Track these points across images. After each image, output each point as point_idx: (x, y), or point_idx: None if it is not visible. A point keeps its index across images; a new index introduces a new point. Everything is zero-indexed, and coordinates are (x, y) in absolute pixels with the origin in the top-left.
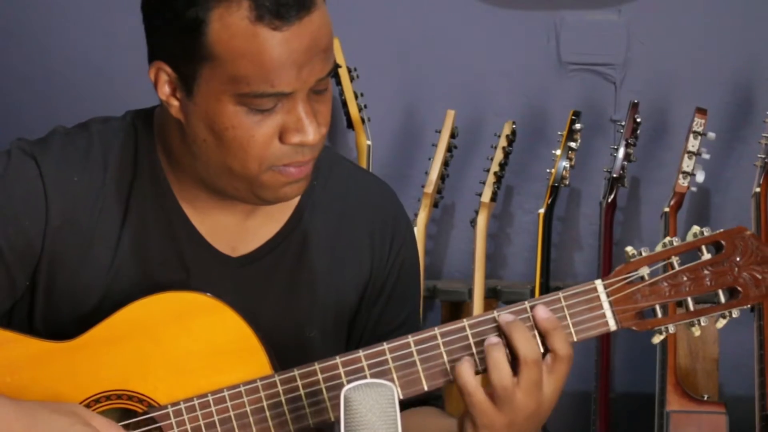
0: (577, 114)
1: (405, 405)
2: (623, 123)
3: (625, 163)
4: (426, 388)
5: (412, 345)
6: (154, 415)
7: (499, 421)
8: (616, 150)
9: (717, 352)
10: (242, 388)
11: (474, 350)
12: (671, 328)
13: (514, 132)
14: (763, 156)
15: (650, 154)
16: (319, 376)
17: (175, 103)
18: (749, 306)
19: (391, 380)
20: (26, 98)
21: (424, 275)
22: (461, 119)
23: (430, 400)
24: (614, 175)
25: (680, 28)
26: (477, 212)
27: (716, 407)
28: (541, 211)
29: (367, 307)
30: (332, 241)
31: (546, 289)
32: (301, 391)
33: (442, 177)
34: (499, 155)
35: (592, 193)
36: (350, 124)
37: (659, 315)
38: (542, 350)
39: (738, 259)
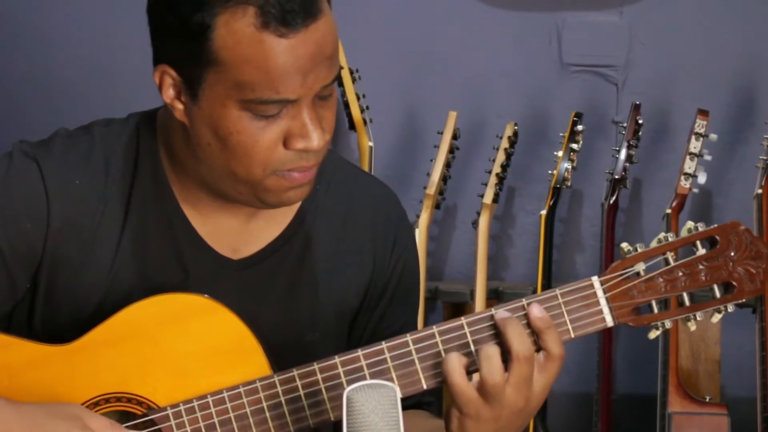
0: (578, 115)
1: None
2: (625, 124)
3: (627, 164)
4: (425, 387)
5: (411, 344)
6: (153, 417)
7: (485, 414)
8: (618, 151)
9: (719, 354)
10: (241, 389)
11: (472, 348)
12: (667, 324)
13: (515, 133)
14: (764, 157)
15: (652, 156)
16: (318, 376)
17: (179, 106)
18: (751, 307)
19: (390, 379)
20: (29, 100)
21: (425, 276)
22: (463, 120)
23: (423, 404)
24: (616, 177)
25: (682, 29)
26: (479, 213)
27: (718, 408)
28: (543, 212)
29: (367, 309)
30: (334, 244)
31: None
32: (301, 392)
33: (444, 178)
34: (500, 157)
35: (593, 195)
36: (352, 126)
37: (655, 310)
38: (535, 348)
39: (732, 253)
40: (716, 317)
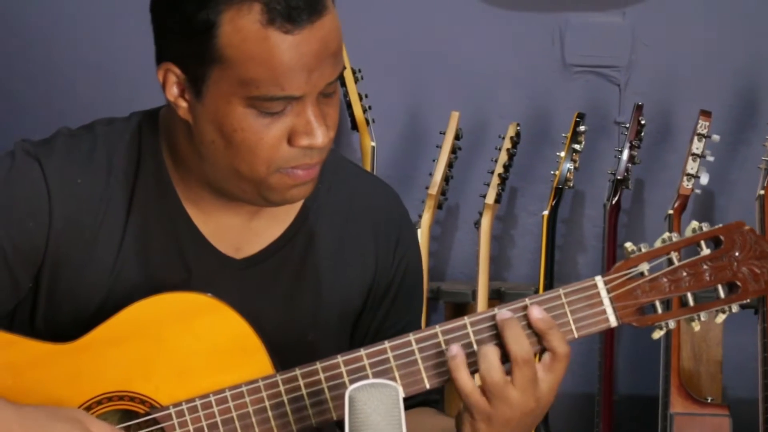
0: (581, 116)
1: (404, 407)
2: (627, 125)
3: (630, 165)
4: (428, 386)
5: (414, 343)
6: (156, 416)
7: (495, 416)
8: (621, 152)
9: (721, 355)
10: (244, 388)
11: (475, 348)
12: (671, 324)
13: (518, 134)
14: (767, 158)
15: (654, 157)
16: (321, 375)
17: (183, 104)
18: (753, 308)
19: (393, 379)
20: (30, 99)
21: (427, 277)
22: (465, 121)
23: (429, 402)
24: (618, 177)
25: (685, 30)
26: (481, 214)
27: (720, 409)
28: (545, 213)
29: (371, 309)
30: (336, 243)
31: None
32: (303, 391)
33: (446, 179)
34: (503, 157)
35: (596, 195)
36: (355, 126)
37: (659, 310)
38: (540, 349)
39: (737, 253)
40: (720, 317)
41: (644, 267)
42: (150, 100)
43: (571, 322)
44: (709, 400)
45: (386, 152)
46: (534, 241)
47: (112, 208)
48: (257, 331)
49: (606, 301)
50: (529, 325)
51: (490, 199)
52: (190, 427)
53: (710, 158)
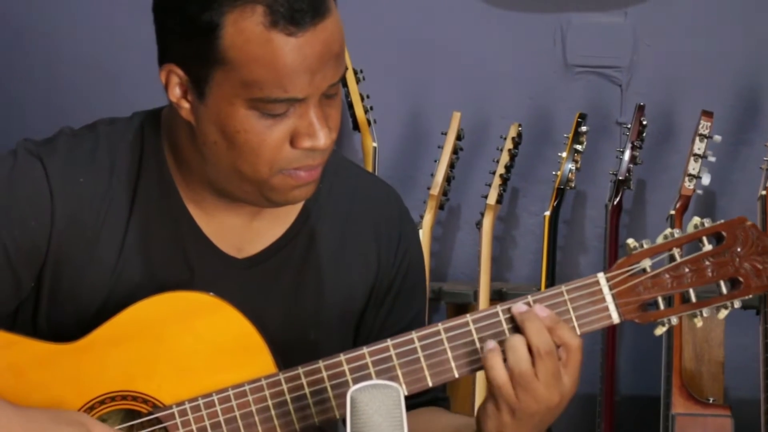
0: (583, 116)
1: (412, 405)
2: (629, 125)
3: (631, 165)
4: (430, 384)
5: (416, 341)
6: (159, 416)
7: (521, 410)
8: (622, 152)
9: (722, 355)
10: (247, 387)
11: (477, 346)
12: (674, 320)
13: (519, 134)
14: None
15: (656, 157)
16: (324, 374)
17: (185, 105)
18: (755, 308)
19: (396, 377)
20: (33, 99)
21: (429, 277)
22: (467, 121)
23: (438, 400)
24: (620, 178)
25: (686, 30)
26: (482, 214)
27: (722, 410)
28: (547, 213)
29: (373, 309)
30: (338, 243)
31: None
32: (306, 390)
33: (448, 179)
34: (504, 157)
35: (597, 196)
36: (356, 126)
37: (662, 307)
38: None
39: (739, 249)
40: (723, 313)
41: (646, 263)
42: (152, 100)
43: (574, 319)
44: (710, 401)
45: (388, 153)
46: (535, 241)
47: (114, 207)
48: (260, 331)
49: (608, 298)
50: None
51: (492, 199)
52: (193, 427)
53: (712, 159)
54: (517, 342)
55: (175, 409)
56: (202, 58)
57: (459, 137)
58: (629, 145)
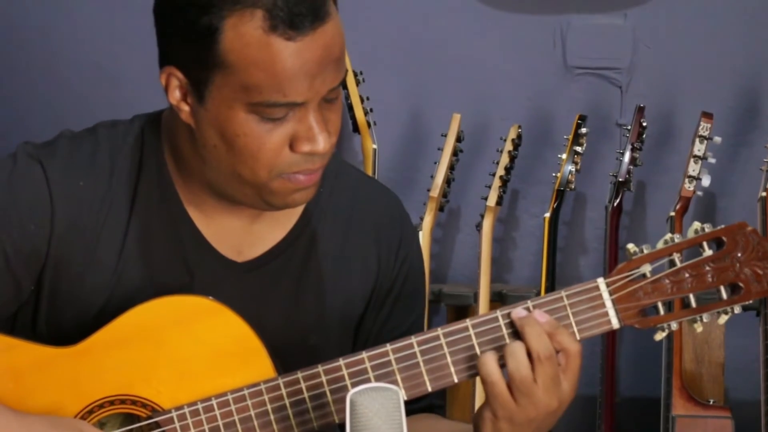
0: (582, 118)
1: (408, 411)
2: (629, 127)
3: (631, 167)
4: (430, 389)
5: (416, 346)
6: (158, 420)
7: (519, 416)
8: (622, 154)
9: (723, 356)
10: (246, 392)
11: (477, 351)
12: (674, 325)
13: (519, 136)
14: None
15: (656, 159)
16: (323, 378)
17: (185, 108)
18: (755, 310)
19: (395, 381)
20: (32, 102)
21: (429, 279)
22: (467, 123)
23: (434, 407)
24: (620, 179)
25: (686, 32)
26: (482, 216)
27: (722, 411)
28: (547, 215)
29: (372, 313)
30: (338, 247)
31: None
32: (305, 394)
33: (448, 181)
34: (504, 159)
35: (597, 197)
36: (356, 128)
37: (661, 312)
38: None
39: (739, 254)
40: (723, 318)
41: (646, 268)
42: (152, 102)
43: (573, 324)
44: (711, 402)
45: (388, 154)
46: (535, 243)
47: (114, 210)
48: (259, 335)
49: (608, 303)
50: None
51: (492, 201)
52: (192, 431)
53: (712, 160)
54: (516, 347)
55: (174, 414)
56: (201, 61)
57: (459, 139)
58: (629, 147)
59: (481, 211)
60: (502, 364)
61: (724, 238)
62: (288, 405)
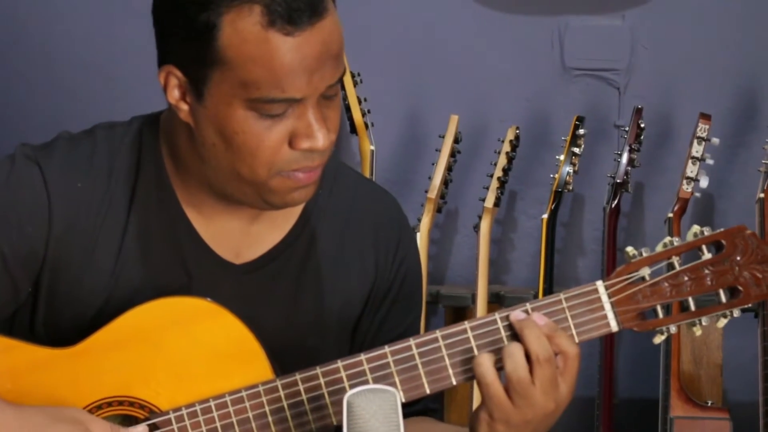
0: (580, 119)
1: (405, 415)
2: (627, 128)
3: (629, 168)
4: (428, 392)
5: (414, 348)
6: (156, 421)
7: (515, 417)
8: (620, 155)
9: (721, 358)
10: (244, 393)
11: (476, 353)
12: (672, 329)
13: (517, 137)
14: (767, 161)
15: (654, 160)
16: (321, 380)
17: (184, 107)
18: (753, 311)
19: (393, 384)
20: (30, 103)
21: (427, 280)
22: (465, 124)
23: (429, 411)
24: (618, 181)
25: (684, 33)
26: (480, 217)
27: (720, 413)
28: (545, 216)
29: (369, 314)
30: (336, 249)
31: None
32: (303, 396)
33: (446, 182)
34: (502, 160)
35: (595, 199)
36: (353, 129)
37: (660, 315)
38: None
39: (739, 258)
40: (722, 322)
41: (645, 271)
42: (150, 103)
43: (572, 327)
44: (709, 404)
45: (385, 156)
46: (533, 244)
47: (112, 212)
48: (257, 336)
49: (607, 306)
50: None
51: (490, 202)
52: None
53: (710, 161)
54: (514, 349)
55: (171, 415)
56: (200, 59)
57: (457, 140)
58: (627, 148)
59: (479, 213)
60: (500, 367)
61: (724, 242)
62: (286, 407)
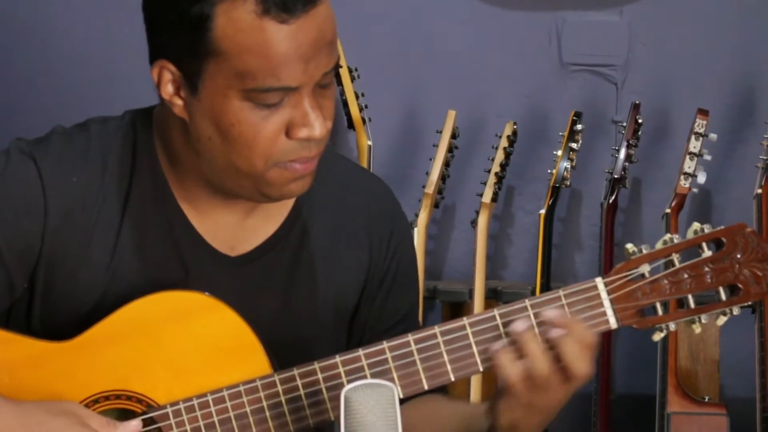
0: (578, 115)
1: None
2: (624, 124)
3: (627, 164)
4: (426, 387)
5: (412, 344)
6: (153, 415)
7: (536, 404)
8: (618, 151)
9: (718, 354)
10: (241, 388)
11: (474, 349)
12: (672, 326)
13: (515, 132)
14: (764, 157)
15: (651, 155)
16: (319, 376)
17: (179, 102)
18: (750, 307)
19: (391, 379)
20: (25, 98)
21: (424, 276)
22: (462, 119)
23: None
24: (615, 176)
25: (682, 28)
26: (478, 213)
27: (717, 409)
28: (542, 211)
29: (365, 305)
30: (330, 238)
31: (546, 290)
32: (301, 391)
33: (443, 177)
34: (500, 156)
35: (593, 194)
36: (351, 125)
37: (660, 312)
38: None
39: (739, 256)
40: (721, 319)
41: (645, 269)
42: (145, 98)
43: None
44: (706, 400)
45: (383, 151)
46: (531, 240)
47: (108, 206)
48: (254, 329)
49: (606, 303)
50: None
51: (487, 197)
52: (187, 427)
53: (707, 157)
54: (534, 347)
55: (169, 409)
56: (194, 51)
57: (454, 135)
58: (625, 144)
59: (477, 208)
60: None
61: (724, 239)
62: (284, 401)
